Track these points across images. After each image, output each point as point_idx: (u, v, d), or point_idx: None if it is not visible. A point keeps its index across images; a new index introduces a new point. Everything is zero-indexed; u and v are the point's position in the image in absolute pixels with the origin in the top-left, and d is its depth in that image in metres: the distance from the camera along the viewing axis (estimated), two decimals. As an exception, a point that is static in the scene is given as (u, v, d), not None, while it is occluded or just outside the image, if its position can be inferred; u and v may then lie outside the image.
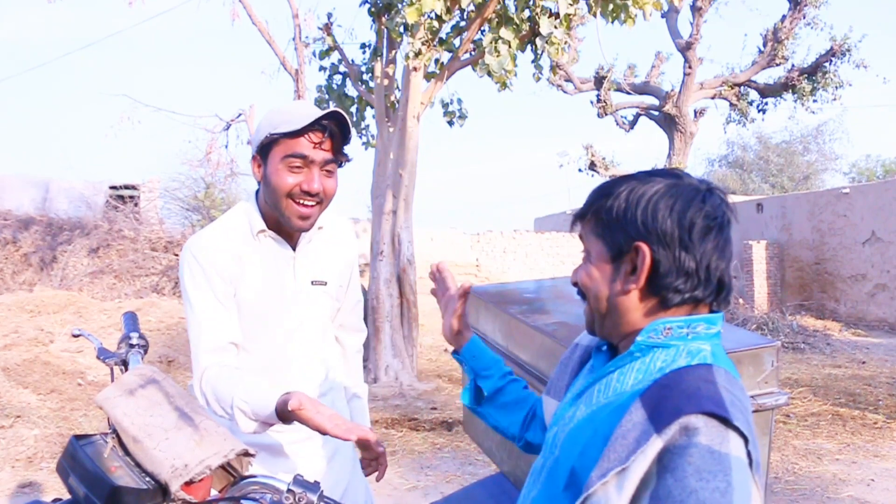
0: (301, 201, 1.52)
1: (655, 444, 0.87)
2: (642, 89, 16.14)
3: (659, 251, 0.97)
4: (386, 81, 7.64)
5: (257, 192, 1.62)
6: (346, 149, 1.56)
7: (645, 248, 0.98)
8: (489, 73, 6.56)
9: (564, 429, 1.04)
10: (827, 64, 14.60)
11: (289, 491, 1.13)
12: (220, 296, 1.53)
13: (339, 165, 1.57)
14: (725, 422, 0.87)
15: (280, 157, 1.50)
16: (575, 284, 1.08)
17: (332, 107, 8.52)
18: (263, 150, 1.53)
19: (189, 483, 1.06)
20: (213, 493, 1.16)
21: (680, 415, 0.87)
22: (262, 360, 1.59)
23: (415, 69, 7.08)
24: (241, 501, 1.16)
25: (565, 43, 6.68)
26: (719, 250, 0.99)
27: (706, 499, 0.82)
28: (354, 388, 1.83)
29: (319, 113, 1.48)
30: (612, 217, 1.01)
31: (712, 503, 0.82)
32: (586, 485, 0.91)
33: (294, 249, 1.62)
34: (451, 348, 1.42)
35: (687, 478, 0.84)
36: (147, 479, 1.07)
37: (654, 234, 0.97)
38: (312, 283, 1.62)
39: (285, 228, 1.58)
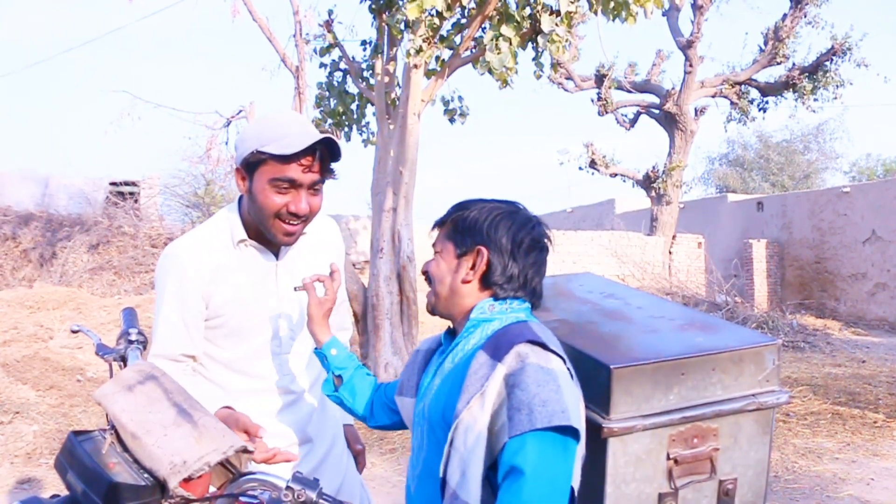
0: (288, 221, 1.53)
1: (500, 371, 1.18)
2: (643, 87, 16.10)
3: (494, 256, 1.31)
4: (386, 78, 7.62)
5: (240, 198, 1.62)
6: (334, 164, 1.55)
7: (485, 251, 1.31)
8: (490, 71, 6.55)
9: (428, 398, 1.31)
10: (828, 63, 14.55)
11: (287, 488, 1.12)
12: (186, 311, 1.55)
13: (325, 181, 1.57)
14: (545, 347, 1.21)
15: (268, 179, 1.48)
16: (425, 273, 1.40)
17: (333, 104, 8.56)
18: (249, 165, 1.51)
19: (188, 480, 1.05)
20: (212, 489, 1.16)
21: (512, 346, 1.20)
22: (246, 366, 1.61)
23: (415, 66, 7.07)
24: (240, 498, 1.15)
25: (566, 41, 6.66)
26: (536, 266, 1.34)
27: (546, 397, 1.14)
28: None
29: (311, 138, 1.46)
30: (465, 225, 1.33)
31: (550, 399, 1.14)
32: (455, 414, 1.19)
33: (277, 257, 1.63)
34: None
35: (529, 387, 1.15)
36: (145, 475, 1.06)
37: (493, 243, 1.31)
38: (295, 289, 1.63)
39: (267, 238, 1.59)
